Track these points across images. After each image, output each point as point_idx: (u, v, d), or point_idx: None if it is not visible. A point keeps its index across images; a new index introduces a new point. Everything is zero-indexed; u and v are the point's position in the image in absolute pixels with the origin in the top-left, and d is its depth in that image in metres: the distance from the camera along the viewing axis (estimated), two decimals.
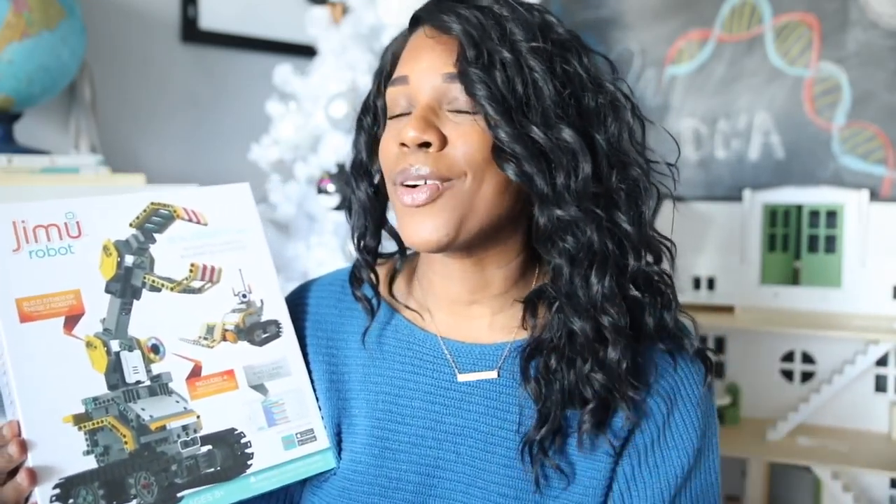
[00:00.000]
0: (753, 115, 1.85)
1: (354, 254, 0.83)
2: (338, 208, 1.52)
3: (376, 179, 0.83)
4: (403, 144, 0.71)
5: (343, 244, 1.53)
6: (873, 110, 1.73)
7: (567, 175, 0.70)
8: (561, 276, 0.72)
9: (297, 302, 0.86)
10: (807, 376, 1.74)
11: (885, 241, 1.65)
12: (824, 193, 1.71)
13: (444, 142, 0.70)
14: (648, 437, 0.76)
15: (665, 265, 0.78)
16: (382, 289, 0.84)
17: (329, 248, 1.59)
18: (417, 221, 0.71)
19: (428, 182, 0.70)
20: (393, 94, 0.75)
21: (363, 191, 0.82)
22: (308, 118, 1.63)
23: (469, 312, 0.80)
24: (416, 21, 0.76)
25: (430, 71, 0.71)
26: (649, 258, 0.76)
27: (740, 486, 1.70)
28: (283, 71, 1.70)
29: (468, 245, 0.74)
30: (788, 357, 1.76)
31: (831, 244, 1.71)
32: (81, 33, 1.45)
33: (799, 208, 1.73)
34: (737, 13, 1.87)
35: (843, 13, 1.75)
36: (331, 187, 1.50)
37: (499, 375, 0.77)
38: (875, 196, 1.70)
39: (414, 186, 0.71)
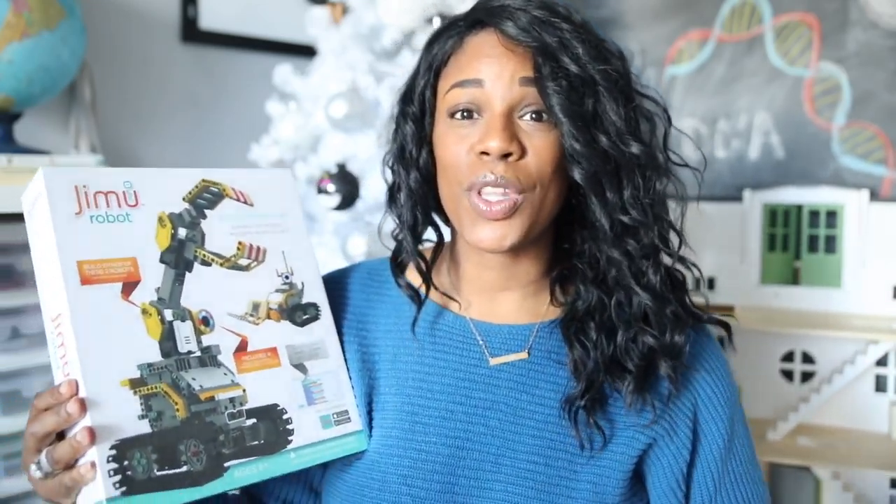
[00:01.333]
0: (753, 115, 1.85)
1: (393, 241, 0.87)
2: (338, 208, 1.52)
3: (424, 172, 0.84)
4: (485, 153, 0.73)
5: (343, 244, 1.53)
6: (873, 110, 1.73)
7: (635, 185, 0.76)
8: (618, 266, 0.78)
9: (332, 284, 0.89)
10: (807, 376, 1.74)
11: (885, 241, 1.65)
12: (824, 193, 1.71)
13: (523, 152, 0.74)
14: (682, 410, 0.81)
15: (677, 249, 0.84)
16: (418, 275, 0.86)
17: (329, 248, 1.59)
18: (490, 229, 0.75)
19: (507, 192, 0.73)
20: (459, 95, 0.76)
21: (413, 181, 0.84)
22: (308, 118, 1.63)
23: (501, 298, 0.83)
24: (480, 23, 0.78)
25: (505, 77, 0.74)
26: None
27: None
28: (283, 71, 1.70)
29: (516, 248, 0.78)
30: (788, 357, 1.76)
31: (831, 244, 1.71)
32: (81, 33, 1.45)
33: (799, 208, 1.74)
34: (737, 13, 1.87)
35: (843, 13, 1.75)
36: (331, 187, 1.50)
37: (529, 355, 0.81)
38: (875, 196, 1.70)
39: (491, 193, 0.74)
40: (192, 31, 1.88)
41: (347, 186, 1.51)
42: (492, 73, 0.74)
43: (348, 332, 0.86)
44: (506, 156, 0.73)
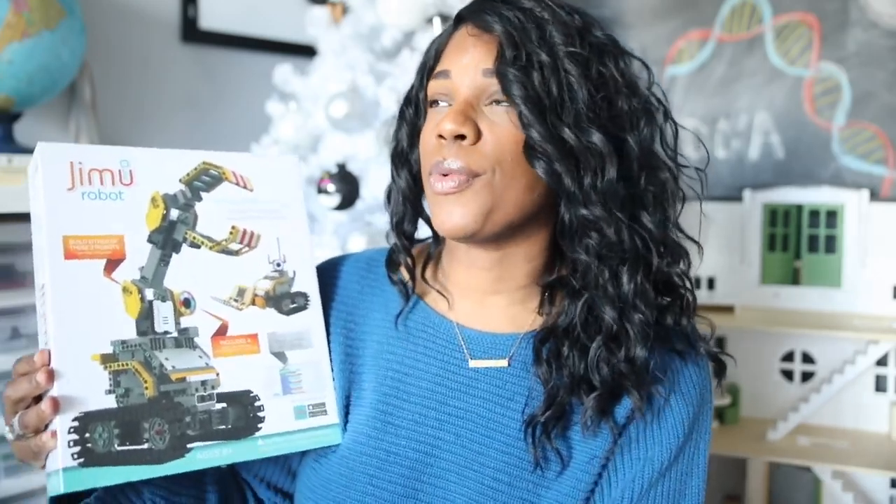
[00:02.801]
0: (753, 115, 1.85)
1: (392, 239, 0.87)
2: (338, 208, 1.52)
3: (415, 169, 0.85)
4: (441, 136, 0.74)
5: (343, 244, 1.53)
6: (873, 110, 1.73)
7: (594, 176, 0.72)
8: (588, 271, 0.75)
9: (327, 272, 0.89)
10: (807, 376, 1.74)
11: (885, 241, 1.65)
12: (824, 193, 1.71)
13: (478, 135, 0.73)
14: (639, 429, 0.77)
15: (683, 266, 0.80)
16: (417, 271, 0.86)
17: (329, 248, 1.59)
18: (447, 209, 0.74)
19: (458, 173, 0.73)
20: (434, 87, 0.78)
21: (403, 179, 0.85)
22: (308, 118, 1.63)
23: (488, 302, 0.82)
24: (460, 19, 0.79)
25: (470, 67, 0.74)
26: (671, 259, 0.79)
27: (740, 486, 1.70)
28: (283, 71, 1.70)
29: (495, 237, 0.76)
30: (788, 357, 1.76)
31: (831, 244, 1.71)
32: (81, 33, 1.45)
33: (799, 208, 1.74)
34: (737, 13, 1.87)
35: (843, 13, 1.75)
36: (331, 187, 1.50)
37: (509, 364, 0.79)
38: (875, 196, 1.70)
39: (446, 175, 0.74)
40: (192, 31, 1.88)
41: (347, 186, 1.51)
42: (459, 63, 0.75)
43: (336, 321, 0.85)
44: (459, 138, 0.72)
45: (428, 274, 0.86)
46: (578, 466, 0.76)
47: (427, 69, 0.82)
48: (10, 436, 0.70)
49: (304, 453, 0.84)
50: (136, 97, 1.80)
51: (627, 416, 0.76)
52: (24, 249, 1.23)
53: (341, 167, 1.52)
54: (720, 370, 0.81)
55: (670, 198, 0.77)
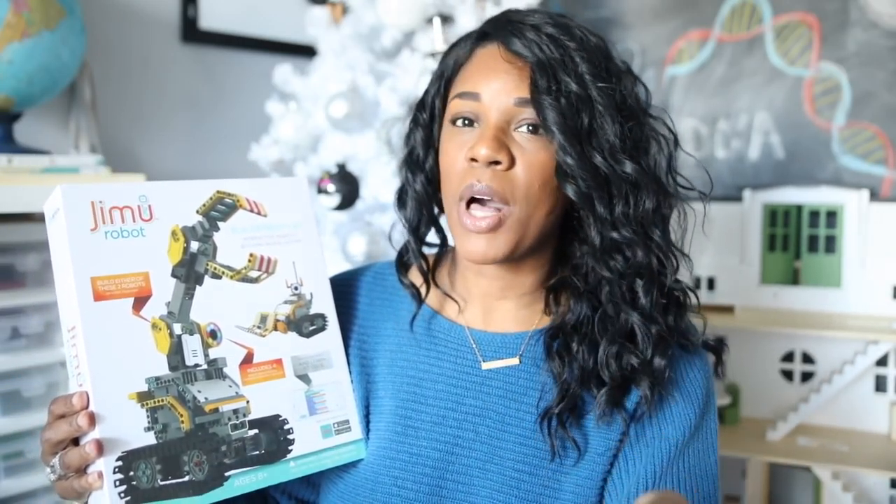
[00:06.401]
0: (753, 115, 1.85)
1: (400, 241, 0.89)
2: (338, 208, 1.52)
3: (430, 174, 0.87)
4: (474, 160, 0.75)
5: (343, 244, 1.53)
6: (873, 110, 1.73)
7: (626, 203, 0.76)
8: (609, 285, 0.78)
9: (343, 285, 0.91)
10: (807, 376, 1.74)
11: (885, 241, 1.65)
12: (824, 193, 1.71)
13: (512, 162, 0.75)
14: (651, 413, 0.80)
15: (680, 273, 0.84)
16: (420, 276, 0.88)
17: (329, 248, 1.59)
18: (476, 242, 0.77)
19: (491, 204, 0.75)
20: (460, 106, 0.79)
21: (419, 184, 0.87)
22: (308, 118, 1.63)
23: (497, 306, 0.85)
24: (485, 35, 0.80)
25: (502, 93, 0.76)
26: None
27: (740, 486, 1.70)
28: (283, 71, 1.70)
29: (511, 260, 0.80)
30: (788, 357, 1.76)
31: (831, 244, 1.71)
32: (81, 33, 1.45)
33: (799, 208, 1.74)
34: (737, 13, 1.87)
35: (843, 13, 1.75)
36: (331, 187, 1.50)
37: (520, 362, 0.82)
38: (875, 196, 1.70)
39: (478, 202, 0.76)
40: (192, 31, 1.88)
41: (347, 186, 1.51)
42: (490, 87, 0.76)
43: (351, 336, 0.88)
44: (494, 163, 0.75)
45: (438, 279, 0.88)
46: (595, 452, 0.79)
47: (445, 80, 0.83)
48: (51, 476, 0.71)
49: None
50: (136, 97, 1.80)
51: (638, 401, 0.79)
52: (24, 249, 1.23)
53: (341, 167, 1.52)
54: (718, 360, 0.85)
55: (676, 216, 0.81)
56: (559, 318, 0.82)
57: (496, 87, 0.76)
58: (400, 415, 0.83)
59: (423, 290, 0.87)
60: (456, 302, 0.86)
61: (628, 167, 0.75)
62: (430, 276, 0.87)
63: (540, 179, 0.75)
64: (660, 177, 0.79)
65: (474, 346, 0.84)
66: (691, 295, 0.83)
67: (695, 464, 0.79)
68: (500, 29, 0.78)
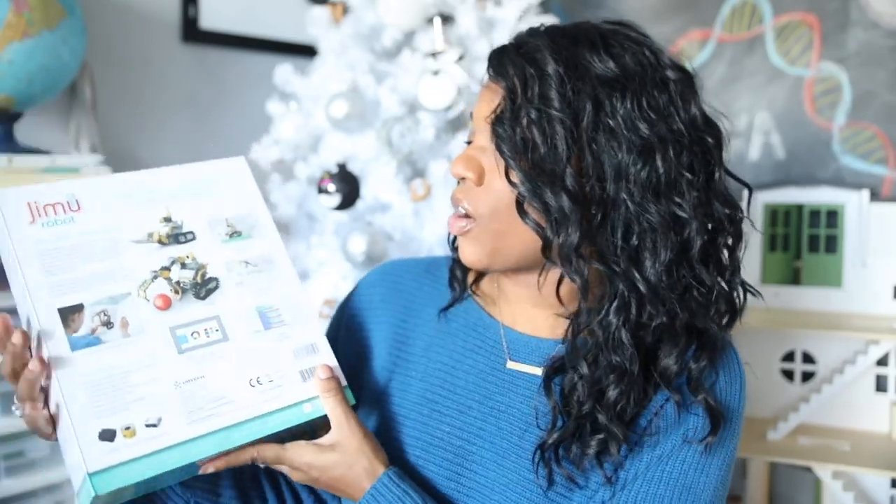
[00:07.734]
0: (754, 115, 1.85)
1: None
2: (338, 208, 1.52)
3: None
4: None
5: (343, 244, 1.53)
6: (873, 110, 1.73)
7: (565, 236, 0.72)
8: (608, 314, 0.75)
9: (398, 267, 0.96)
10: (807, 376, 1.74)
11: (886, 241, 1.65)
12: (825, 193, 1.71)
13: (481, 178, 0.77)
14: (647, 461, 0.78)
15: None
16: (470, 276, 0.92)
17: (329, 248, 1.59)
18: (461, 245, 0.81)
19: (459, 213, 0.79)
20: (469, 123, 0.84)
21: None
22: (308, 118, 1.62)
23: (533, 311, 0.85)
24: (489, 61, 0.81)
25: (479, 117, 0.79)
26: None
27: (741, 486, 1.70)
28: (284, 71, 1.70)
29: (515, 270, 0.81)
30: (789, 357, 1.76)
31: (832, 244, 1.71)
32: (81, 33, 1.45)
33: (799, 208, 1.74)
34: (737, 13, 1.87)
35: (843, 13, 1.75)
36: (331, 187, 1.50)
37: (543, 373, 0.80)
38: (875, 196, 1.70)
39: (458, 213, 0.80)
40: (192, 31, 1.88)
41: (348, 186, 1.51)
42: (478, 108, 0.80)
43: (393, 309, 0.92)
44: (464, 179, 0.78)
45: (483, 282, 0.91)
46: (596, 482, 0.78)
47: None
48: (17, 412, 0.72)
49: None
50: (136, 97, 1.80)
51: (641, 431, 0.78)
52: None
53: (341, 167, 1.52)
54: (714, 429, 0.82)
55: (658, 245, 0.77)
56: (569, 344, 0.77)
57: (479, 108, 0.79)
58: (428, 398, 0.85)
59: (469, 279, 0.90)
60: (495, 300, 0.88)
61: (563, 200, 0.71)
62: (467, 279, 0.90)
63: (506, 198, 0.74)
64: (647, 203, 0.74)
65: (504, 343, 0.85)
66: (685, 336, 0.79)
67: (677, 476, 0.78)
68: (494, 56, 0.79)
